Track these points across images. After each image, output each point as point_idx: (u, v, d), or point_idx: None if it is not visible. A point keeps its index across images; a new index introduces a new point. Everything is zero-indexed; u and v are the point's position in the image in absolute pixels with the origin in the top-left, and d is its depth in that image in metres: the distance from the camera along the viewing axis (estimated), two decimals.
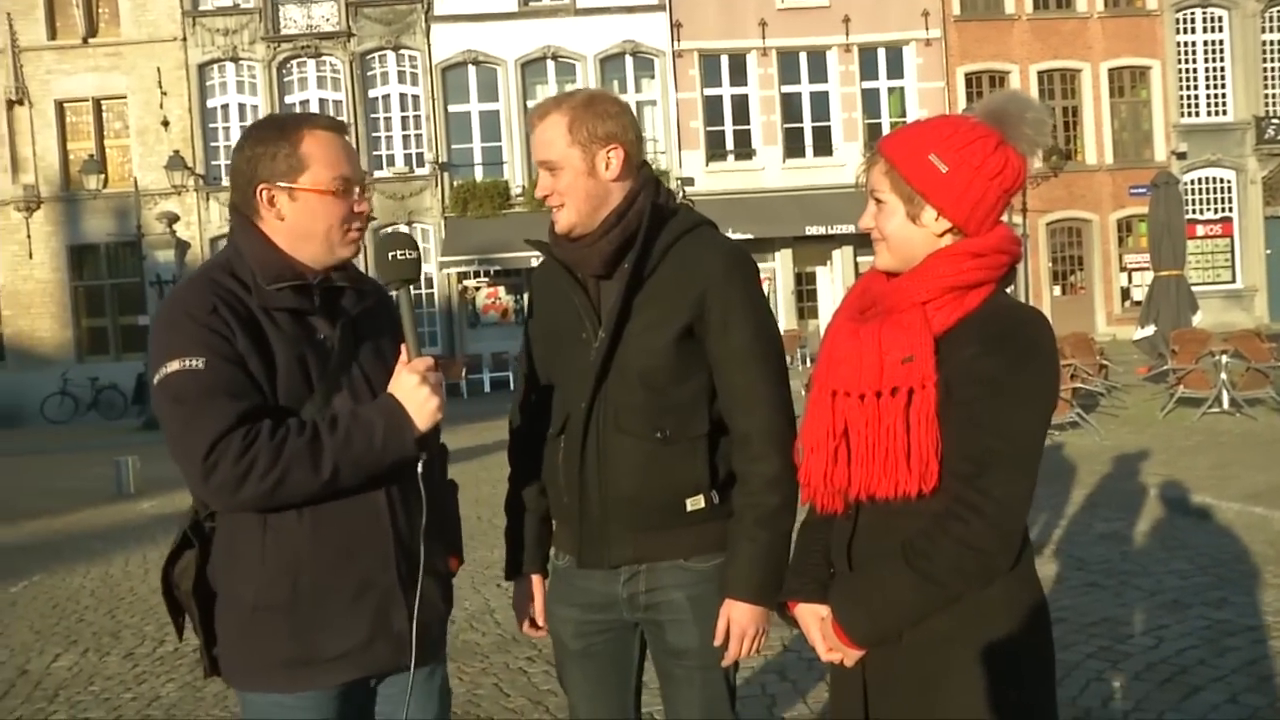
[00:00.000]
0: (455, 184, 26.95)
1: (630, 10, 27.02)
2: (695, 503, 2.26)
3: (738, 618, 2.22)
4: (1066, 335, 14.72)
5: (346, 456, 1.93)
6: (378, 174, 26.81)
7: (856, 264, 26.65)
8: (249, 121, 17.75)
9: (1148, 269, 18.11)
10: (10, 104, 26.64)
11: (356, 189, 2.08)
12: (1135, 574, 6.03)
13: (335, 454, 1.92)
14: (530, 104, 26.87)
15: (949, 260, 1.83)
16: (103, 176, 25.79)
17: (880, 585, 1.85)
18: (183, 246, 23.05)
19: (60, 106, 26.93)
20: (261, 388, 1.94)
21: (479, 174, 27.25)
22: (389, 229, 22.98)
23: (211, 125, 27.03)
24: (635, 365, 2.22)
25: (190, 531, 2.08)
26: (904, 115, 27.55)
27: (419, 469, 2.03)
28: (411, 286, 2.09)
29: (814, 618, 1.99)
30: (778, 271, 27.64)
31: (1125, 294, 28.70)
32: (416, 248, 2.07)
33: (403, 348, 2.01)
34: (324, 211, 2.04)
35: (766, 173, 27.36)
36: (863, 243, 18.91)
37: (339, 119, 2.14)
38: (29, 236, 26.78)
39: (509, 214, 25.89)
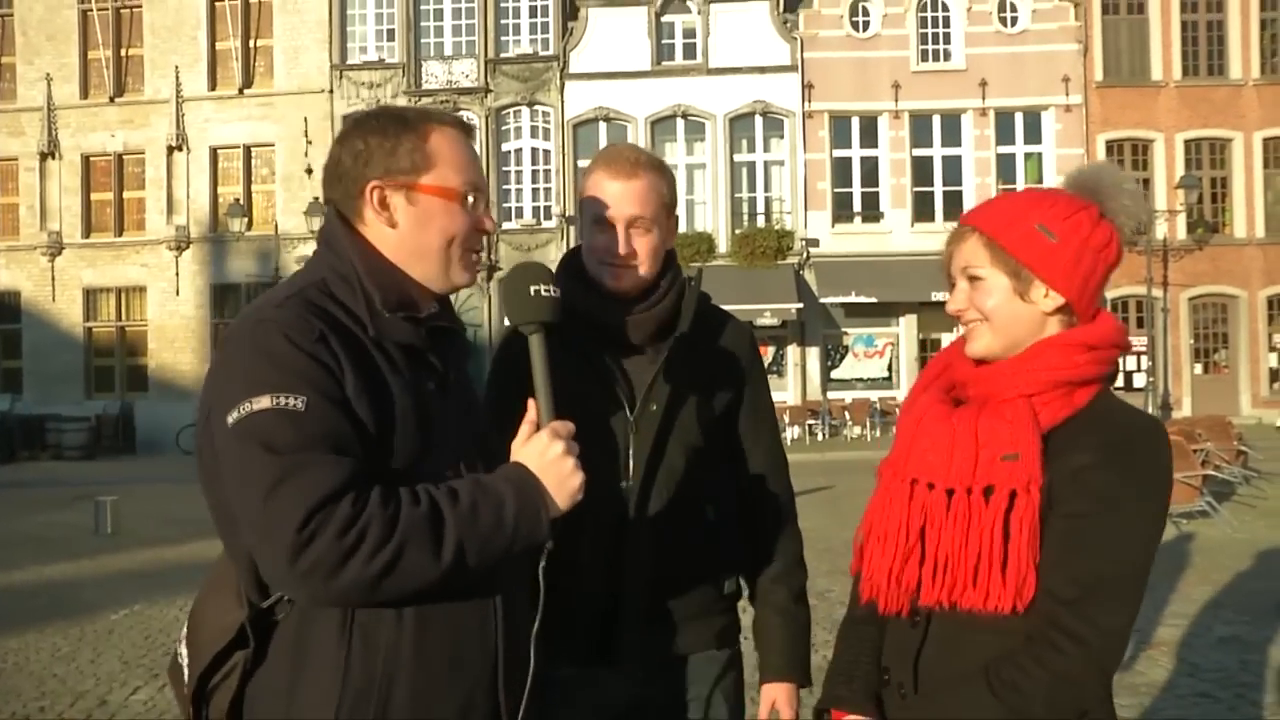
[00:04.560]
0: None
1: (762, 70, 27.10)
2: (731, 585, 2.21)
3: (786, 699, 2.16)
4: (1201, 417, 13.95)
5: (473, 537, 1.51)
6: (506, 225, 27.40)
7: None
8: None
9: None
10: (170, 150, 28.29)
11: (483, 203, 1.73)
12: (1254, 687, 5.54)
13: (459, 533, 1.49)
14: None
15: (1059, 351, 1.66)
16: (247, 220, 27.07)
17: (960, 716, 1.64)
18: None
19: (214, 153, 28.47)
20: (370, 444, 1.53)
21: None
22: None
23: None
24: (686, 440, 2.12)
25: (251, 626, 1.56)
26: (1041, 181, 26.78)
27: (542, 562, 1.64)
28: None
29: None
30: (901, 337, 27.10)
31: (1274, 375, 27.14)
32: (558, 282, 1.75)
33: (530, 405, 1.65)
34: (447, 220, 1.67)
35: (894, 236, 26.92)
36: None
37: (466, 121, 1.82)
38: (177, 274, 28.28)
39: None
